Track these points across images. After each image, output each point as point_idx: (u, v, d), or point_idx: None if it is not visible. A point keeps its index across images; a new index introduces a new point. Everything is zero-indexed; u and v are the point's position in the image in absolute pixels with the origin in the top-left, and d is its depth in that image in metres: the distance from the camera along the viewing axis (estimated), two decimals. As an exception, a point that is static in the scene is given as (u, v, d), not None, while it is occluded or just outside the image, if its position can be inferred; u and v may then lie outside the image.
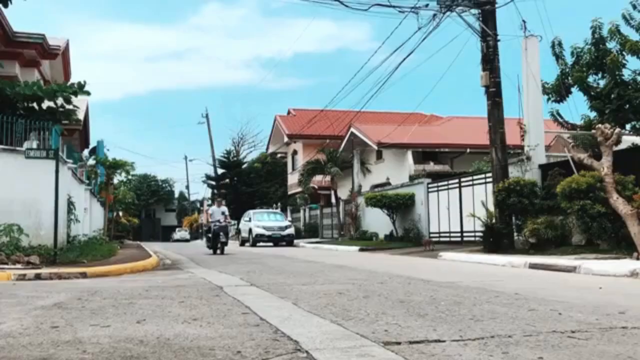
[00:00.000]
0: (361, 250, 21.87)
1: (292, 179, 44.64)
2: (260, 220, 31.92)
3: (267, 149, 51.93)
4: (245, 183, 54.42)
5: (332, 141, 34.82)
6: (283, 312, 5.69)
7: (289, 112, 48.99)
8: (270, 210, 38.91)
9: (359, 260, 15.49)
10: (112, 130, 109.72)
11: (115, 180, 34.85)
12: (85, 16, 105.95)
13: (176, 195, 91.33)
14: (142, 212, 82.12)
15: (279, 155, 50.93)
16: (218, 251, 20.41)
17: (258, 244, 30.26)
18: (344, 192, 34.52)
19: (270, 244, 30.09)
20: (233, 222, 38.03)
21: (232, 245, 34.87)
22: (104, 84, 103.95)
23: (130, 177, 44.06)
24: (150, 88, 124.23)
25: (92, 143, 33.03)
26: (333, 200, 35.27)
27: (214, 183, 59.72)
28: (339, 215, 32.64)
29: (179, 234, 70.25)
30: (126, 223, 55.52)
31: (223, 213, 21.23)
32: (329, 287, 8.01)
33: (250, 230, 31.34)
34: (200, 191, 77.13)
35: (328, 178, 34.36)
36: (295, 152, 46.63)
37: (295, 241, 31.11)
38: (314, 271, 11.20)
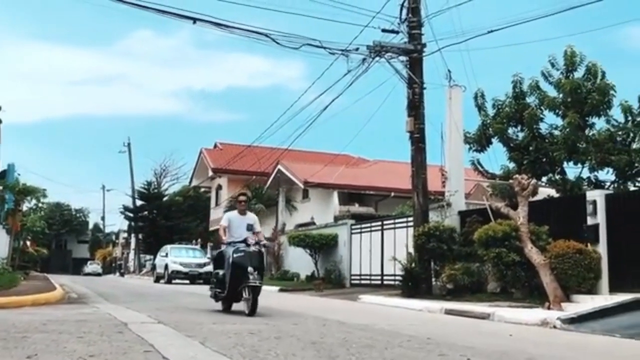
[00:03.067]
0: (281, 290, 21.67)
1: (216, 214, 44.05)
2: (177, 256, 31.20)
3: (191, 182, 51.16)
4: (165, 216, 53.25)
5: (259, 178, 34.71)
6: (188, 351, 5.54)
7: (215, 146, 48.60)
8: (189, 246, 38.15)
9: (278, 300, 15.33)
10: (27, 155, 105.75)
11: (25, 207, 33.33)
12: (11, 35, 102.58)
13: (90, 226, 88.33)
14: (52, 242, 78.83)
15: (202, 189, 50.26)
16: (243, 306, 9.91)
17: (174, 281, 29.52)
18: (267, 230, 34.29)
19: (187, 281, 29.42)
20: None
21: (147, 282, 33.89)
22: (22, 106, 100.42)
23: (41, 204, 42.30)
24: (72, 112, 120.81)
25: (2, 166, 31.63)
26: (255, 238, 34.88)
27: (131, 215, 58.18)
28: (261, 253, 32.33)
29: (90, 267, 67.59)
30: (34, 253, 53.00)
31: (250, 227, 10.67)
32: (241, 327, 7.87)
33: (166, 266, 30.54)
34: (116, 223, 74.87)
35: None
36: (219, 187, 46.15)
37: (214, 279, 30.47)
38: (228, 310, 11.00)
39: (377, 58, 15.67)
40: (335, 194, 30.38)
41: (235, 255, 9.84)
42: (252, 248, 10.04)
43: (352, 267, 23.28)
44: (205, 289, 19.72)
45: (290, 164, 32.50)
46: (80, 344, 5.80)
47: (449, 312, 11.58)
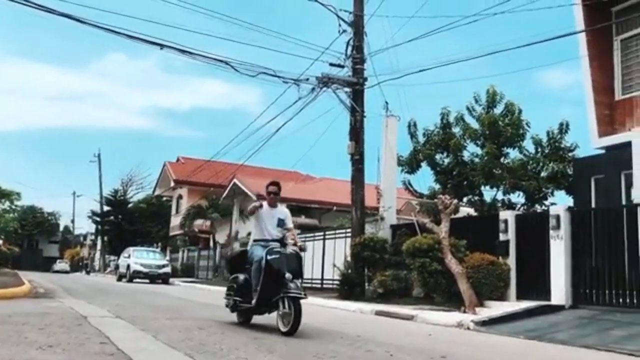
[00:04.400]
0: (231, 291, 21.39)
1: (175, 221, 43.31)
2: (139, 257, 30.49)
3: (154, 191, 50.25)
4: (129, 221, 52.00)
5: (216, 189, 34.34)
6: (141, 343, 5.41)
7: (178, 160, 47.92)
8: (150, 248, 37.33)
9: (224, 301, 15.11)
10: (4, 161, 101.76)
11: (-1, 209, 32.12)
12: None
13: (61, 228, 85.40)
14: (24, 242, 75.91)
15: (164, 198, 49.38)
16: (278, 322, 7.12)
17: (135, 280, 28.81)
18: (222, 237, 33.91)
19: (147, 280, 28.77)
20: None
21: (110, 280, 32.99)
22: (1, 116, 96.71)
23: (14, 206, 40.85)
24: (48, 124, 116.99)
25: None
26: (212, 243, 34.53)
27: (98, 219, 56.65)
28: (215, 257, 31.97)
29: (59, 265, 65.29)
30: (6, 251, 51.03)
31: (282, 223, 7.80)
32: (192, 323, 7.74)
33: (128, 266, 29.79)
34: (85, 226, 72.71)
35: (209, 222, 33.70)
36: (180, 197, 45.44)
37: (171, 280, 29.94)
38: (182, 307, 10.80)
39: (325, 88, 15.76)
40: (285, 207, 30.30)
41: (270, 257, 7.10)
42: (290, 249, 7.24)
43: (296, 272, 23.19)
44: (165, 287, 19.00)
45: (245, 178, 32.27)
46: (41, 335, 5.59)
47: (378, 313, 11.63)
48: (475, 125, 17.04)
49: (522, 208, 16.65)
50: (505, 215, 12.79)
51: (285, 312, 6.94)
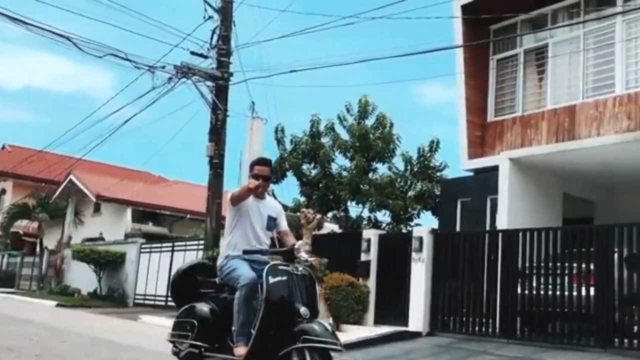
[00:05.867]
0: (59, 305, 20.24)
1: (-5, 219, 40.21)
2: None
3: (-31, 183, 46.32)
4: None
5: (48, 186, 32.37)
6: None
7: (3, 147, 44.61)
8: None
9: (53, 316, 14.32)
10: None
11: None
12: None
13: None
14: None
15: (-17, 192, 45.70)
16: None
17: None
18: (53, 242, 31.98)
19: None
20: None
21: None
22: None
23: None
24: None
25: None
26: (39, 249, 32.45)
27: None
28: (42, 265, 30.09)
29: None
30: None
31: (272, 224, 5.79)
32: (0, 342, 7.23)
33: None
34: None
35: (37, 224, 31.68)
36: (3, 191, 42.22)
37: (-16, 289, 27.73)
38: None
39: (184, 79, 15.49)
40: (129, 211, 29.23)
41: (272, 281, 4.93)
42: (300, 269, 5.05)
43: (137, 287, 22.46)
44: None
45: (83, 174, 30.74)
46: None
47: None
48: (345, 136, 17.65)
49: (387, 227, 17.47)
50: (369, 234, 13.32)
51: None
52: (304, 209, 14.03)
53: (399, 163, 17.79)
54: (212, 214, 16.08)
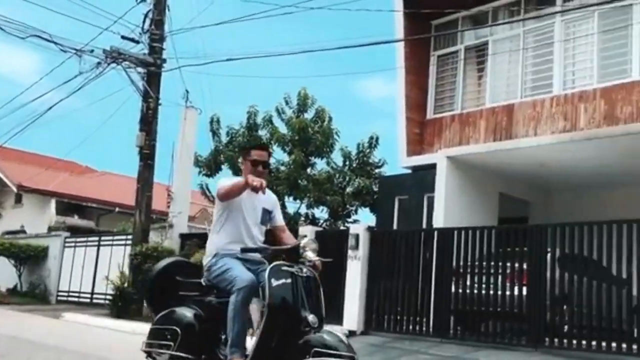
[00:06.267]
0: (-28, 302, 19.54)
1: None
2: None
3: None
4: None
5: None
6: None
7: None
8: None
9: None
10: None
11: None
12: None
13: None
14: None
15: None
16: None
17: None
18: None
19: None
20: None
21: None
22: None
23: None
24: None
25: None
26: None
27: None
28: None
29: None
30: None
31: (267, 218, 5.21)
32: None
33: None
34: None
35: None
36: None
37: None
38: None
39: (114, 64, 15.18)
40: (53, 203, 28.46)
41: (275, 284, 4.48)
42: (305, 270, 4.62)
43: (60, 283, 21.89)
44: None
45: (4, 163, 29.73)
46: None
47: (154, 335, 11.44)
48: (284, 129, 17.65)
49: (325, 224, 17.59)
50: (305, 231, 13.35)
51: None
52: (238, 204, 13.97)
53: (337, 158, 17.94)
54: (142, 207, 15.83)
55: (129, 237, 17.76)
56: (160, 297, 5.20)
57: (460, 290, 10.34)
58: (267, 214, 5.12)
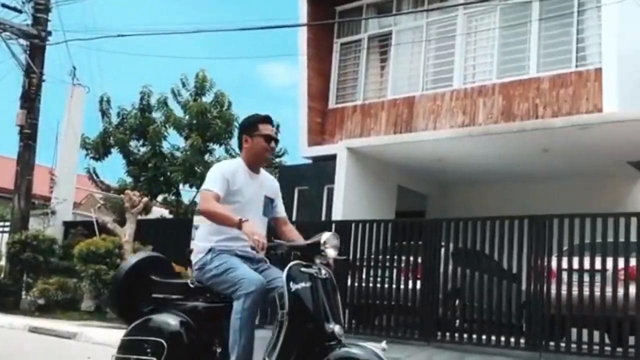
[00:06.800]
0: None
1: None
2: None
3: None
4: None
5: None
6: None
7: None
8: None
9: None
10: None
11: None
12: None
13: None
14: None
15: None
16: None
17: None
18: None
19: None
20: None
21: None
22: None
23: None
24: None
25: None
26: None
27: None
28: None
29: None
30: None
31: (270, 207, 4.49)
32: None
33: None
34: None
35: None
36: None
37: None
38: None
39: (-7, 35, 14.50)
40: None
41: (294, 288, 3.85)
42: (323, 271, 4.04)
43: None
44: None
45: None
46: None
47: (33, 330, 11.11)
48: (180, 112, 17.45)
49: (222, 214, 17.55)
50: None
51: None
52: (128, 191, 13.79)
53: (236, 145, 17.92)
54: (22, 191, 15.28)
55: (7, 223, 17.09)
56: (132, 301, 4.45)
57: (356, 284, 10.59)
58: (269, 204, 4.44)
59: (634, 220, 8.36)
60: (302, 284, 3.83)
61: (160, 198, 18.01)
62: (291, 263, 3.91)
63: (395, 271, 10.23)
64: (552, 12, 12.27)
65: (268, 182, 4.51)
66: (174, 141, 17.58)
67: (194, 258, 4.32)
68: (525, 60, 12.53)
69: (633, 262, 8.22)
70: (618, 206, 11.50)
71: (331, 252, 3.98)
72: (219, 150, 17.78)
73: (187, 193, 17.85)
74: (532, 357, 8.42)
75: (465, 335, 9.39)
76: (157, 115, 17.60)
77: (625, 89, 11.31)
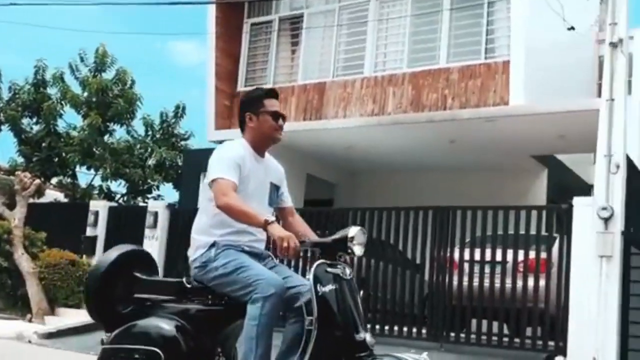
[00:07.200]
0: None
1: None
2: None
3: None
4: None
5: None
6: None
7: None
8: None
9: None
10: None
11: None
12: None
13: None
14: None
15: None
16: None
17: None
18: None
19: None
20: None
21: None
22: None
23: None
24: None
25: None
26: None
27: None
28: None
29: None
30: None
31: (275, 196, 4.12)
32: None
33: None
34: None
35: None
36: None
37: None
38: None
39: None
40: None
41: (322, 291, 3.49)
42: (348, 272, 3.65)
43: None
44: None
45: None
46: None
47: None
48: (77, 88, 16.93)
49: (122, 199, 17.20)
50: (98, 205, 13.05)
51: None
52: (18, 173, 13.31)
53: (139, 127, 17.55)
54: None
55: None
56: (111, 302, 3.94)
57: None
58: (275, 191, 4.08)
59: (534, 213, 8.84)
60: (329, 287, 3.49)
61: (54, 180, 17.44)
62: (317, 262, 3.56)
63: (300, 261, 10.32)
64: (463, 2, 12.57)
65: (273, 167, 4.15)
66: (70, 120, 17.04)
67: (193, 254, 3.85)
68: (436, 50, 12.77)
69: (532, 254, 8.69)
70: (521, 199, 12.04)
71: (358, 250, 3.60)
72: (119, 130, 17.37)
73: (83, 175, 17.37)
74: (434, 347, 8.72)
75: (368, 325, 9.60)
76: (52, 91, 16.99)
77: (532, 82, 11.79)
